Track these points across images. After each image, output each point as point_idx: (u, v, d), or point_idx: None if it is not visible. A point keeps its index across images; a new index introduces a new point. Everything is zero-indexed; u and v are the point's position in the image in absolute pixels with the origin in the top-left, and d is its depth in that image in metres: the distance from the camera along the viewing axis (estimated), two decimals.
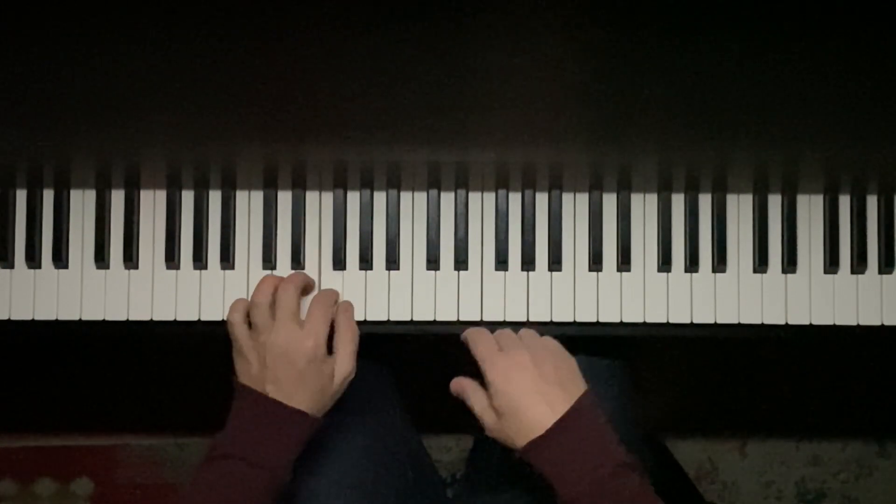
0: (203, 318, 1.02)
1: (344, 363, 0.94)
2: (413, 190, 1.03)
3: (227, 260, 1.02)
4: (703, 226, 1.03)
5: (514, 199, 1.03)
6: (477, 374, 0.93)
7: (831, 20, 0.78)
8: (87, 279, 1.02)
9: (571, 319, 1.02)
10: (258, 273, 1.01)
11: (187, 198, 1.03)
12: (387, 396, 1.12)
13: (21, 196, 1.03)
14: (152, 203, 1.03)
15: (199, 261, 1.02)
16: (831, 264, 1.03)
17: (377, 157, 0.97)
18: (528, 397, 0.88)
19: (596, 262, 1.03)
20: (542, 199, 1.03)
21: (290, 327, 0.92)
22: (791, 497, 1.63)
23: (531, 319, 1.02)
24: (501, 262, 1.02)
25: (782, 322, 1.03)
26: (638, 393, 1.11)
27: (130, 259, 1.02)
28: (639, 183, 1.02)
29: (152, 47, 0.81)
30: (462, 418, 0.96)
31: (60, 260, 1.02)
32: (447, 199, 1.03)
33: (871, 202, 1.04)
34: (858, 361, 1.62)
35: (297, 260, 1.02)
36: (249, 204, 1.03)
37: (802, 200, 1.04)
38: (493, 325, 0.98)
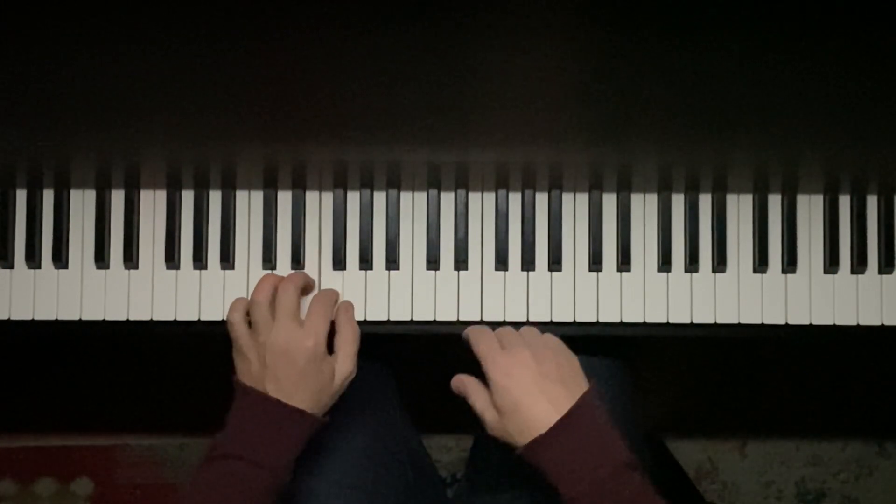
0: (203, 318, 1.02)
1: (345, 363, 0.94)
2: (413, 190, 1.03)
3: (227, 260, 1.02)
4: (703, 226, 1.03)
5: (514, 199, 1.03)
6: (478, 372, 0.93)
7: (831, 20, 0.78)
8: (87, 279, 1.02)
9: (571, 319, 1.02)
10: (258, 273, 1.01)
11: (187, 198, 1.03)
12: (387, 396, 1.12)
13: (21, 196, 1.03)
14: (152, 203, 1.03)
15: (199, 261, 1.02)
16: (831, 264, 1.03)
17: (377, 157, 0.97)
18: (530, 395, 0.87)
19: (596, 262, 1.03)
20: (542, 199, 1.03)
21: (289, 326, 0.92)
22: (791, 497, 1.63)
23: (531, 319, 1.02)
24: (501, 262, 1.02)
25: (782, 322, 1.03)
26: (638, 393, 1.11)
27: (130, 259, 1.02)
28: (639, 183, 1.02)
29: (152, 47, 0.81)
30: (462, 418, 0.96)
31: (60, 260, 1.02)
32: (447, 199, 1.03)
33: (871, 202, 1.04)
34: (858, 361, 1.62)
35: (297, 260, 1.02)
36: (249, 204, 1.03)
37: (802, 200, 1.04)
38: (493, 325, 0.98)
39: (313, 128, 0.91)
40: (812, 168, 0.99)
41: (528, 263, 1.02)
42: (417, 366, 1.22)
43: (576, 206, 1.03)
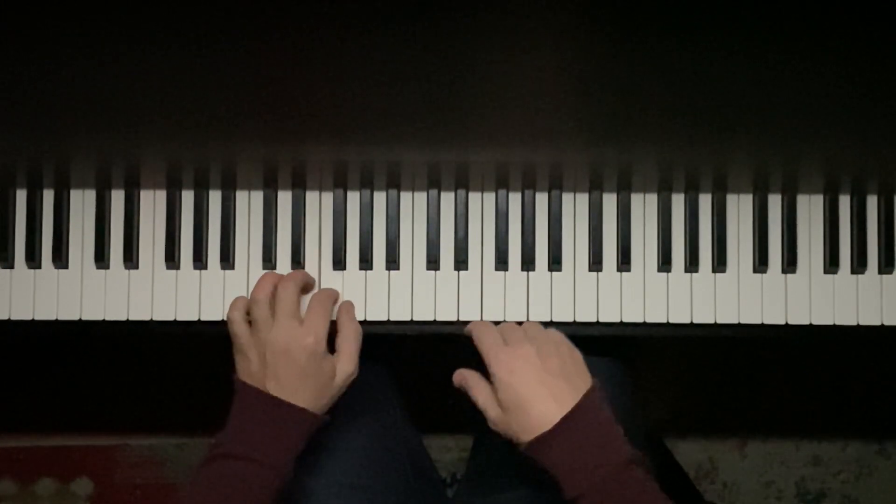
0: (203, 318, 1.02)
1: (347, 362, 0.94)
2: (413, 190, 1.03)
3: (227, 260, 1.02)
4: (703, 226, 1.03)
5: (514, 199, 1.03)
6: (480, 367, 0.92)
7: (831, 20, 0.78)
8: (87, 279, 1.02)
9: (571, 319, 1.02)
10: (258, 273, 1.01)
11: (187, 198, 1.03)
12: (387, 396, 1.12)
13: (21, 196, 1.03)
14: (152, 203, 1.03)
15: (199, 261, 1.02)
16: (831, 264, 1.03)
17: (377, 157, 0.97)
18: (534, 392, 0.87)
19: (596, 262, 1.03)
20: (542, 199, 1.03)
21: (290, 324, 0.92)
22: (791, 497, 1.63)
23: (531, 320, 1.02)
24: (501, 262, 1.02)
25: (782, 322, 1.03)
26: (638, 393, 1.11)
27: (130, 259, 1.02)
28: (639, 183, 1.02)
29: (152, 47, 0.81)
30: (462, 418, 0.95)
31: (60, 260, 1.02)
32: (447, 199, 1.03)
33: (871, 202, 1.04)
34: (858, 361, 1.62)
35: (297, 260, 1.02)
36: (249, 204, 1.03)
37: (802, 200, 1.04)
38: (494, 324, 0.98)
39: (313, 128, 0.91)
40: (812, 168, 0.99)
41: (528, 263, 1.02)
42: (417, 366, 1.22)
43: (576, 206, 1.03)
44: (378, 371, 1.12)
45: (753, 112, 0.88)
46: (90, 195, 1.03)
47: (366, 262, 1.02)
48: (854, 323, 1.03)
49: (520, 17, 0.78)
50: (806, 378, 1.62)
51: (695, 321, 1.03)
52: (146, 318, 1.02)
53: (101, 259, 1.02)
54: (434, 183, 1.02)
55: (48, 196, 1.03)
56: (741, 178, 1.01)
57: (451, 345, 0.97)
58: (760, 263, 1.02)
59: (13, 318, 1.02)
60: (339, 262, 1.02)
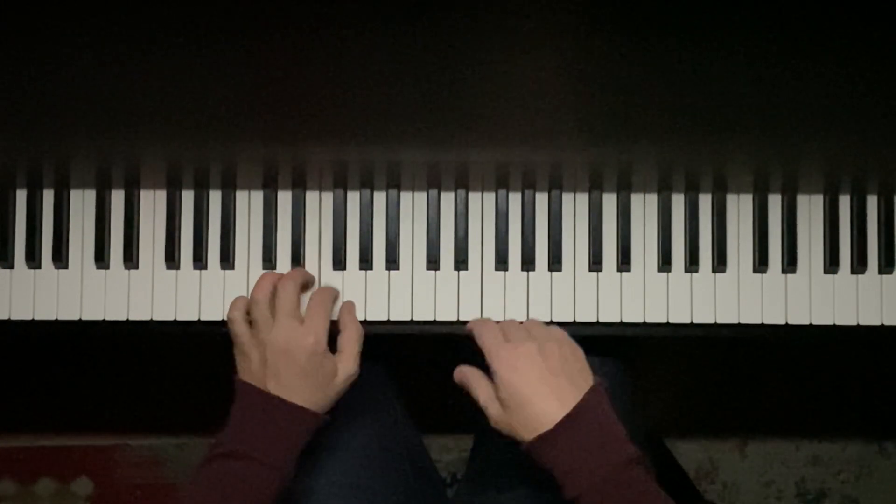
0: (203, 318, 1.02)
1: (349, 362, 0.94)
2: (413, 190, 1.03)
3: (227, 260, 1.02)
4: (703, 226, 1.03)
5: (514, 199, 1.03)
6: (481, 364, 0.92)
7: (831, 20, 0.78)
8: (87, 279, 1.02)
9: (571, 319, 1.02)
10: (258, 273, 1.01)
11: (187, 198, 1.03)
12: (387, 396, 1.12)
13: (21, 196, 1.03)
14: (152, 203, 1.03)
15: (199, 261, 1.02)
16: (831, 264, 1.03)
17: (377, 157, 0.97)
18: (536, 391, 0.87)
19: (596, 262, 1.03)
20: (542, 199, 1.03)
21: (290, 324, 0.92)
22: (791, 497, 1.63)
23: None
24: (501, 262, 1.02)
25: (782, 322, 1.03)
26: (638, 393, 1.11)
27: (130, 259, 1.02)
28: (639, 183, 1.02)
29: (152, 47, 0.81)
30: (462, 418, 0.95)
31: (60, 260, 1.02)
32: (447, 199, 1.03)
33: (871, 202, 1.04)
34: (858, 361, 1.62)
35: (297, 260, 1.02)
36: (249, 204, 1.03)
37: (802, 200, 1.04)
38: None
39: (313, 128, 0.91)
40: (812, 168, 0.99)
41: (528, 263, 1.02)
42: (417, 366, 1.22)
43: (576, 206, 1.03)
44: (378, 371, 1.12)
45: (753, 112, 0.88)
46: (90, 195, 1.03)
47: (366, 262, 1.02)
48: (854, 323, 1.03)
49: (520, 17, 0.78)
50: (806, 378, 1.62)
51: (695, 321, 1.03)
52: (146, 318, 1.02)
53: (101, 259, 1.02)
54: (434, 183, 1.02)
55: (48, 196, 1.03)
56: (741, 178, 1.01)
57: (451, 345, 0.97)
58: (760, 263, 1.02)
59: (13, 318, 1.02)
60: (339, 262, 1.02)
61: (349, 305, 1.00)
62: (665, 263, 1.02)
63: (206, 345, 0.99)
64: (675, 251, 1.03)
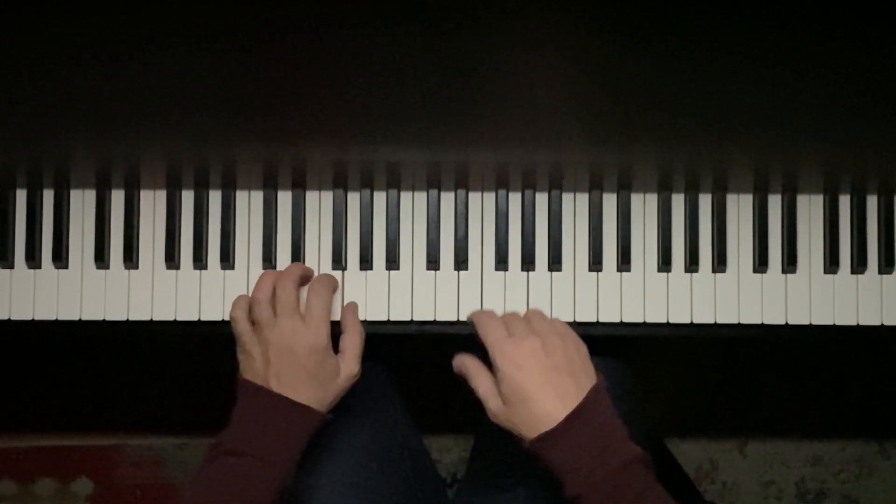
0: (203, 318, 1.02)
1: (351, 363, 0.94)
2: (413, 190, 1.03)
3: (227, 260, 1.02)
4: (703, 226, 1.03)
5: (514, 199, 1.03)
6: (480, 354, 0.91)
7: (831, 20, 0.78)
8: (87, 279, 1.02)
9: (571, 319, 1.02)
10: (258, 273, 1.00)
11: (187, 198, 1.03)
12: (387, 396, 1.12)
13: (21, 196, 1.03)
14: (152, 203, 1.03)
15: (199, 261, 1.02)
16: (831, 264, 1.03)
17: (377, 157, 0.97)
18: (539, 389, 0.86)
19: (596, 262, 1.03)
20: (542, 199, 1.03)
21: (291, 322, 0.92)
22: (791, 497, 1.63)
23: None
24: (501, 262, 1.02)
25: (782, 322, 1.03)
26: (638, 393, 1.11)
27: (130, 259, 1.02)
28: (639, 183, 1.02)
29: (152, 47, 0.81)
30: (462, 418, 0.95)
31: (60, 260, 1.02)
32: (447, 199, 1.03)
33: (871, 202, 1.04)
34: (858, 361, 1.62)
35: (298, 260, 1.02)
36: (249, 204, 1.03)
37: (802, 200, 1.04)
38: None
39: (313, 128, 0.91)
40: (812, 168, 0.99)
41: (528, 263, 1.02)
42: (417, 366, 1.22)
43: (576, 206, 1.03)
44: (378, 371, 1.12)
45: (753, 112, 0.88)
46: (90, 195, 1.03)
47: (366, 262, 1.02)
48: (854, 323, 1.03)
49: (520, 17, 0.78)
50: (806, 378, 1.62)
51: (695, 321, 1.03)
52: (146, 318, 1.02)
53: (101, 259, 1.02)
54: (434, 183, 1.02)
55: (48, 196, 1.03)
56: (741, 178, 1.01)
57: (451, 345, 0.96)
58: (760, 263, 1.02)
59: (13, 318, 1.02)
60: (339, 262, 1.02)
61: (352, 306, 1.00)
62: (665, 263, 1.02)
63: (206, 345, 0.99)
64: (675, 251, 1.03)
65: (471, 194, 1.03)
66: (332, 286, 0.99)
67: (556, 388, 0.86)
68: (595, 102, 0.88)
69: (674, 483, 1.35)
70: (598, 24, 0.80)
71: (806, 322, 1.03)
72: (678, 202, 1.03)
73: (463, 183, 1.02)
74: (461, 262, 1.02)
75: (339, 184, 1.02)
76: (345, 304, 1.01)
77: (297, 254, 1.02)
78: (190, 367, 1.52)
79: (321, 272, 1.02)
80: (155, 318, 1.02)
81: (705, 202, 1.03)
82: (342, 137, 0.93)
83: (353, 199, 1.03)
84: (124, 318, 1.02)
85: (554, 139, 0.93)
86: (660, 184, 1.02)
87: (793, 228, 1.03)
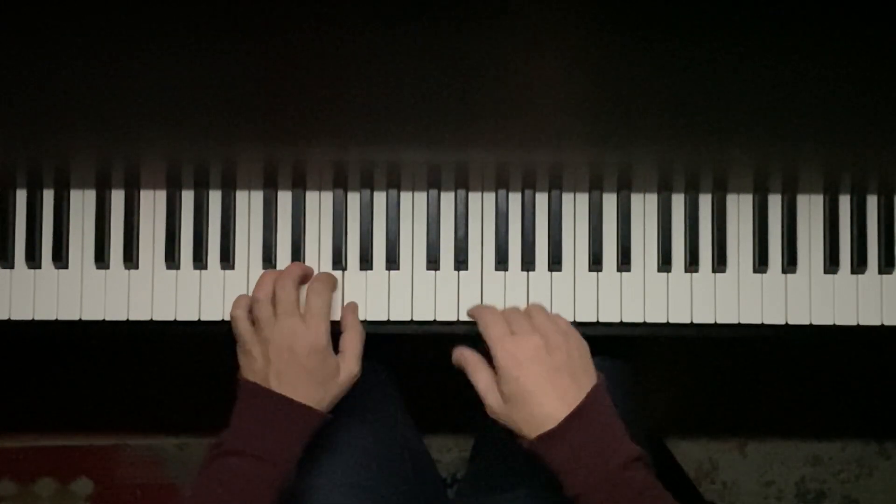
0: (203, 318, 1.02)
1: (351, 363, 0.94)
2: (413, 190, 1.03)
3: (227, 260, 1.02)
4: (703, 226, 1.03)
5: (514, 199, 1.03)
6: (480, 350, 0.91)
7: (831, 20, 0.78)
8: (87, 279, 1.02)
9: (571, 319, 1.02)
10: (258, 273, 1.01)
11: (187, 198, 1.03)
12: (387, 396, 1.12)
13: (21, 196, 1.03)
14: (152, 203, 1.03)
15: (199, 261, 1.02)
16: (831, 264, 1.03)
17: (377, 157, 0.97)
18: (540, 388, 0.86)
19: (596, 262, 1.03)
20: (542, 199, 1.03)
21: (291, 321, 0.92)
22: (791, 497, 1.63)
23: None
24: (501, 262, 1.02)
25: (782, 322, 1.03)
26: (638, 393, 1.11)
27: (130, 259, 1.02)
28: (639, 183, 1.02)
29: (152, 47, 0.81)
30: (462, 418, 0.95)
31: (60, 260, 1.02)
32: (447, 199, 1.03)
33: (871, 202, 1.04)
34: (858, 361, 1.62)
35: (298, 260, 1.02)
36: (249, 204, 1.03)
37: (802, 200, 1.04)
38: None
39: (313, 128, 0.91)
40: (812, 168, 0.99)
41: (528, 263, 1.02)
42: (417, 366, 1.22)
43: (576, 206, 1.03)
44: (378, 371, 1.12)
45: (753, 112, 0.88)
46: (90, 195, 1.03)
47: (366, 262, 1.02)
48: (854, 323, 1.03)
49: (520, 17, 0.78)
50: (806, 378, 1.62)
51: (695, 321, 1.03)
52: (146, 318, 1.02)
53: (101, 259, 1.02)
54: (434, 183, 1.02)
55: (48, 196, 1.03)
56: (741, 178, 1.01)
57: (452, 345, 0.96)
58: (760, 263, 1.02)
59: (13, 318, 1.02)
60: (339, 262, 1.02)
61: (352, 306, 1.00)
62: (665, 263, 1.02)
63: (206, 345, 0.99)
64: (675, 251, 1.03)
65: (471, 194, 1.03)
66: (332, 285, 0.99)
67: (556, 388, 0.86)
68: (595, 102, 0.88)
69: (674, 483, 1.35)
70: (598, 25, 0.80)
71: (806, 322, 1.03)
72: (678, 202, 1.03)
73: (463, 183, 1.02)
74: (461, 262, 1.02)
75: (339, 184, 1.02)
76: (345, 303, 1.01)
77: (297, 254, 1.02)
78: (190, 367, 1.52)
79: (321, 272, 1.02)
80: (155, 318, 1.02)
81: (705, 202, 1.03)
82: (342, 137, 0.93)
83: (353, 199, 1.03)
84: (124, 318, 1.02)
85: (554, 139, 0.93)
86: (660, 184, 1.02)
87: (793, 228, 1.03)
